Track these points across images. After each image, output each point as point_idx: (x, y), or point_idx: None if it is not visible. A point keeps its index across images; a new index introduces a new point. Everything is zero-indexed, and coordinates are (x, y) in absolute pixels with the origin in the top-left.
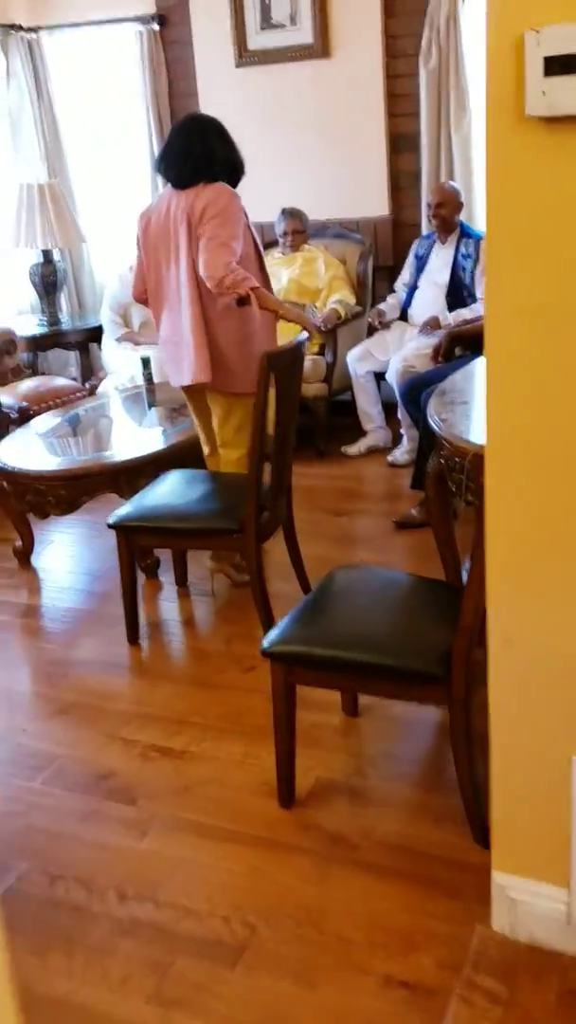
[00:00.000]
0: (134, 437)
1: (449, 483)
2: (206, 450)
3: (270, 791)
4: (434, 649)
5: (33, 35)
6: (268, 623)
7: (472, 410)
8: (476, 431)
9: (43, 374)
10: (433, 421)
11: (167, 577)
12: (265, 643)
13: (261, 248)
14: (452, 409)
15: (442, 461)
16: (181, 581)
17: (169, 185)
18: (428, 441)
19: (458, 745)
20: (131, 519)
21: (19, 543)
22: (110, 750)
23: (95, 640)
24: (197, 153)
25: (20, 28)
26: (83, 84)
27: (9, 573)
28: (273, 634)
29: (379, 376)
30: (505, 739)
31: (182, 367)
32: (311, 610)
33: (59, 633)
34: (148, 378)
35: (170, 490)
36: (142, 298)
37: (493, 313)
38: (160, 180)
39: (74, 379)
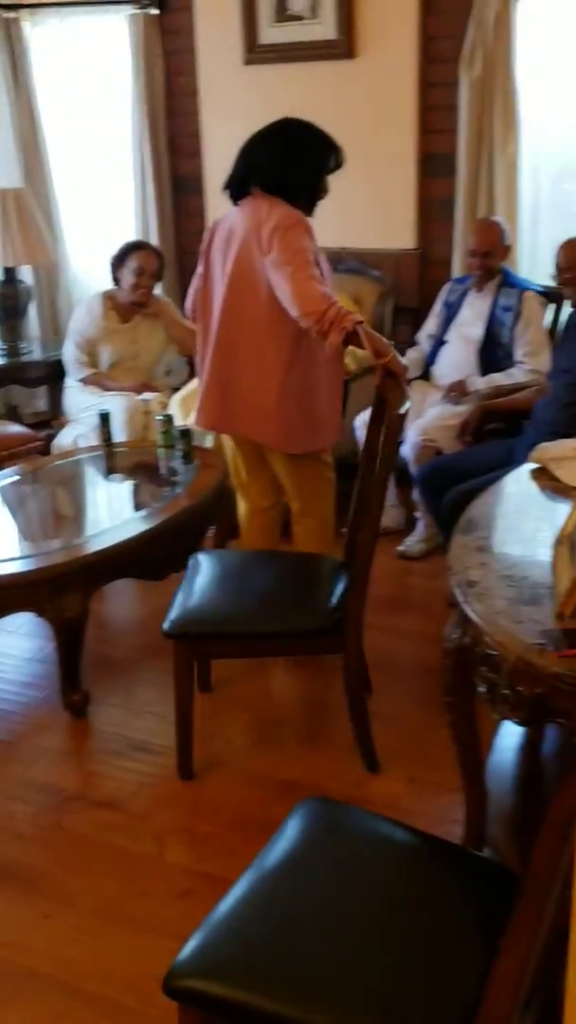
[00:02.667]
0: (70, 527)
1: (476, 679)
2: (244, 507)
3: None
4: None
5: (12, 14)
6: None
7: (510, 564)
8: (519, 605)
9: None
10: (456, 582)
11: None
12: None
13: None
14: (482, 560)
15: (467, 640)
16: (204, 684)
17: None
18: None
19: None
20: (193, 623)
21: None
22: None
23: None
24: (253, 162)
25: None
26: (69, 76)
27: None
28: None
29: None
30: None
31: (238, 416)
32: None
33: None
34: (106, 439)
35: (225, 582)
36: (195, 316)
37: None
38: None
39: (43, 418)
